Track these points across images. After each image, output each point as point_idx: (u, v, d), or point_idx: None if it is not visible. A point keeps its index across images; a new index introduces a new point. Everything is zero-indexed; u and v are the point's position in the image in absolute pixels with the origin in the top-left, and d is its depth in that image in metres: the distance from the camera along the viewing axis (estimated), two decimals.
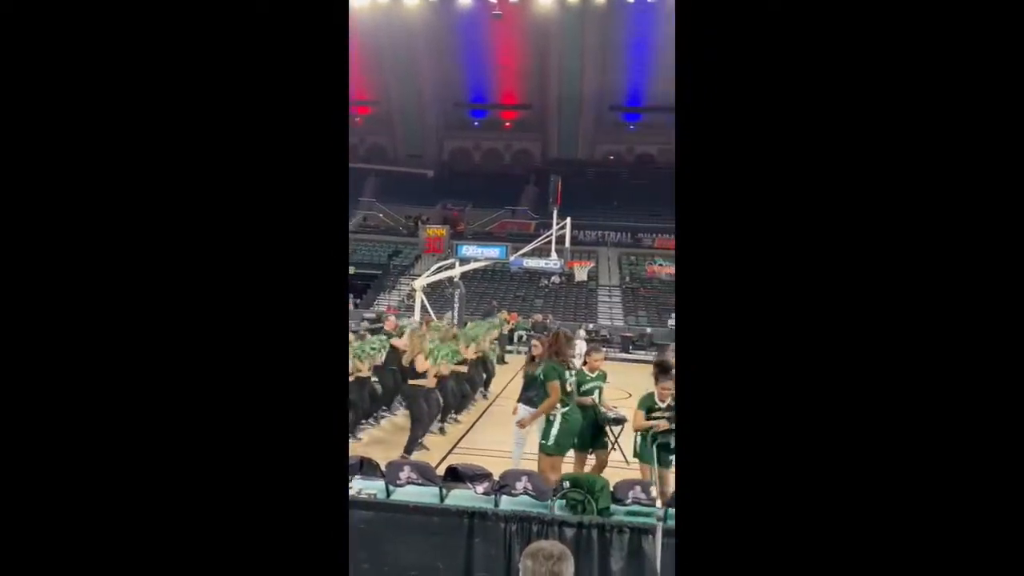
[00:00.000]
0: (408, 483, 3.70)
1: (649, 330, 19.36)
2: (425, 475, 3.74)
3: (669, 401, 4.34)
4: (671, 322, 20.23)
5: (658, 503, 3.82)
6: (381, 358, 7.33)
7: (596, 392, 4.89)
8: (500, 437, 6.55)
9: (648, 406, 4.40)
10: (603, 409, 4.88)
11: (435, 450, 6.60)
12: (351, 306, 18.47)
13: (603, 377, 5.02)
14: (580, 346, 7.83)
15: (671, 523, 3.63)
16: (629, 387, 7.77)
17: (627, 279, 24.25)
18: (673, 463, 4.32)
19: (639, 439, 4.46)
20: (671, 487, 4.18)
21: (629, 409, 4.82)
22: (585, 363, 5.07)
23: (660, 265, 24.35)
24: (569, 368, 4.67)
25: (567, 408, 4.56)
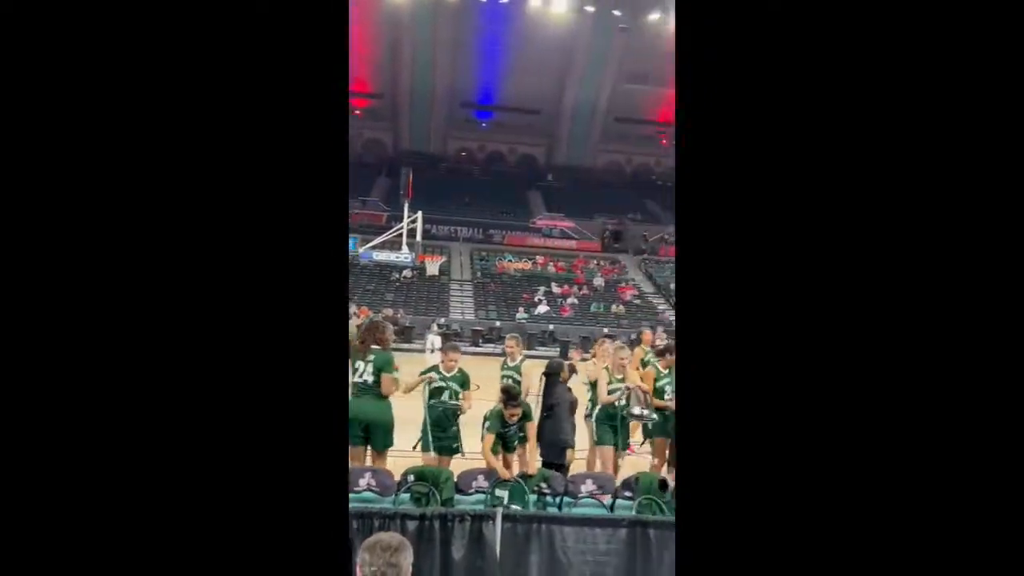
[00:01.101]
0: None
1: (498, 323, 19.84)
2: None
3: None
4: (519, 315, 20.92)
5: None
6: None
7: (448, 393, 4.64)
8: None
9: (497, 429, 4.35)
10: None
11: None
12: None
13: (460, 379, 4.69)
14: (435, 342, 7.81)
15: (516, 508, 3.80)
16: (479, 379, 7.93)
17: (478, 274, 24.64)
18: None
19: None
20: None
21: (480, 401, 4.88)
22: (441, 362, 5.02)
23: (509, 261, 25.06)
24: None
25: (429, 406, 4.52)
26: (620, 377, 4.71)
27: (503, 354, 5.95)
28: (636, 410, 4.70)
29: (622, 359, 4.62)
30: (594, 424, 4.90)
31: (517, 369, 5.21)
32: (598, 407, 4.89)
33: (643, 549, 3.42)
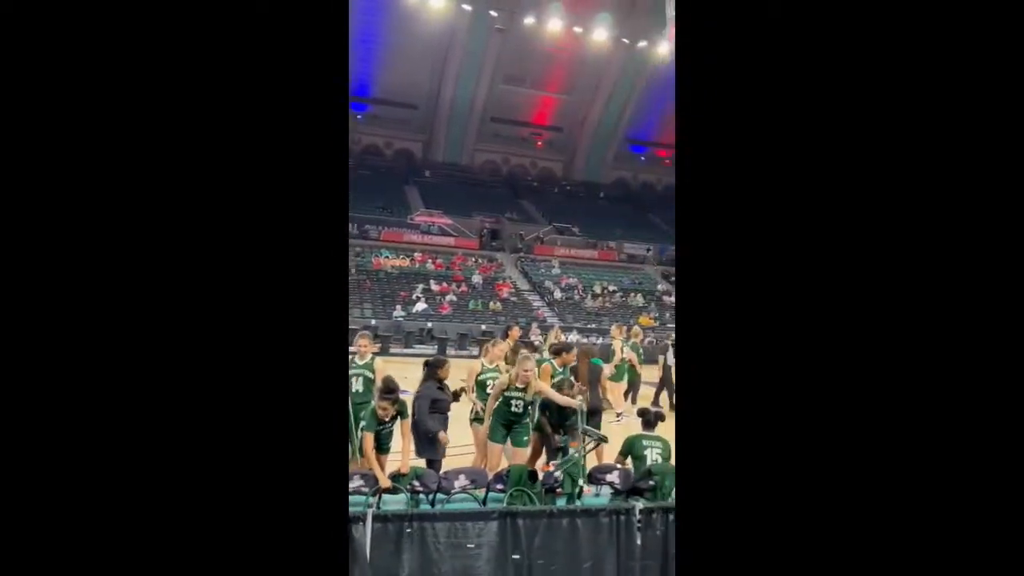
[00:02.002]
0: None
1: (374, 322, 19.43)
2: None
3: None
4: (396, 313, 20.61)
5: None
6: None
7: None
8: None
9: (373, 427, 4.29)
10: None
11: None
12: None
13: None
14: None
15: (392, 508, 3.77)
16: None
17: (353, 271, 23.96)
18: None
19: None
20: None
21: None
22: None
23: (387, 258, 24.59)
24: None
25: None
26: (522, 387, 4.73)
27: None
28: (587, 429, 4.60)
29: (526, 371, 4.63)
30: (490, 421, 4.89)
31: (368, 367, 5.16)
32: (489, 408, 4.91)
33: (513, 538, 3.53)
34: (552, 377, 5.61)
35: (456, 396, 5.06)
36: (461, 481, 4.18)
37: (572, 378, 5.44)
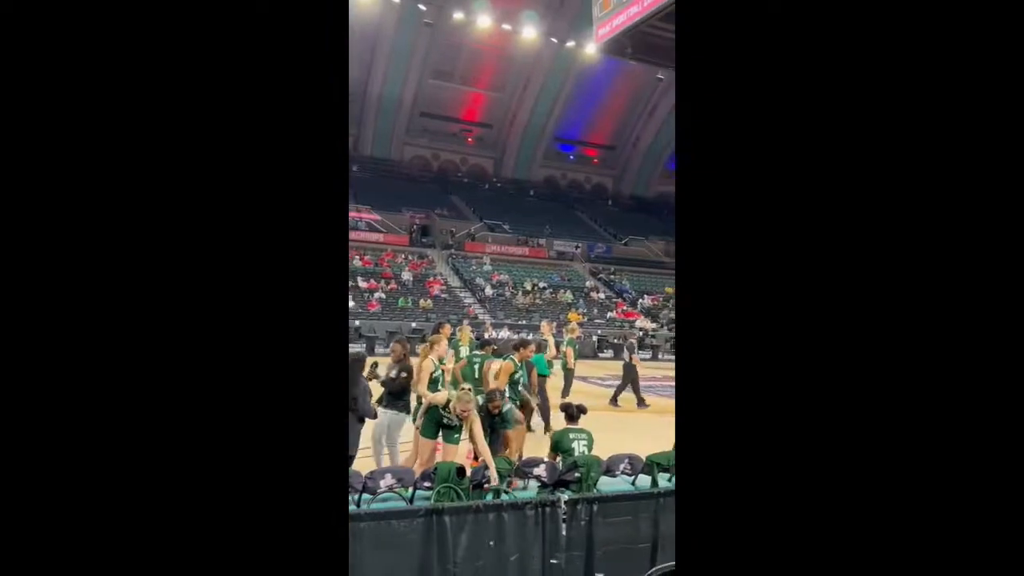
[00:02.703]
0: None
1: None
2: None
3: None
4: None
5: None
6: None
7: None
8: None
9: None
10: None
11: None
12: None
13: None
14: None
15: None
16: None
17: None
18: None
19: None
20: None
21: None
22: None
23: None
24: None
25: None
26: (456, 418, 4.76)
27: None
28: None
29: (464, 410, 4.63)
30: (420, 421, 4.96)
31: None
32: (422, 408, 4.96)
33: (439, 536, 3.52)
34: (512, 374, 5.77)
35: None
36: (387, 480, 4.13)
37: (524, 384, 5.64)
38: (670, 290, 29.04)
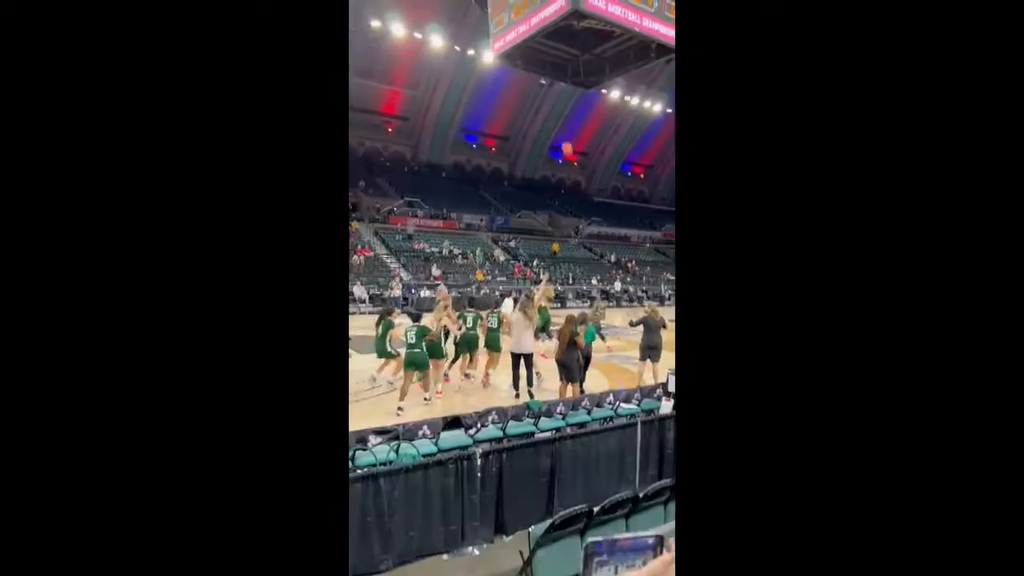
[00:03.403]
0: None
1: None
2: None
3: None
4: None
5: None
6: None
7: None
8: None
9: None
10: None
11: None
12: None
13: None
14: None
15: None
16: None
17: None
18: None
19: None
20: None
21: None
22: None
23: None
24: None
25: None
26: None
27: None
28: None
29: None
30: None
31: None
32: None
33: (375, 494, 3.26)
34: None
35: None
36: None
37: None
38: (556, 248, 29.74)
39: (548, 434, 4.27)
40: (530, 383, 6.94)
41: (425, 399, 6.45)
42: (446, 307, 6.90)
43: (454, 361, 7.77)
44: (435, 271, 22.98)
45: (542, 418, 4.48)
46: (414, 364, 6.13)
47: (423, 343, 6.16)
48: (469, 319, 7.36)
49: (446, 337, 6.92)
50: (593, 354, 7.47)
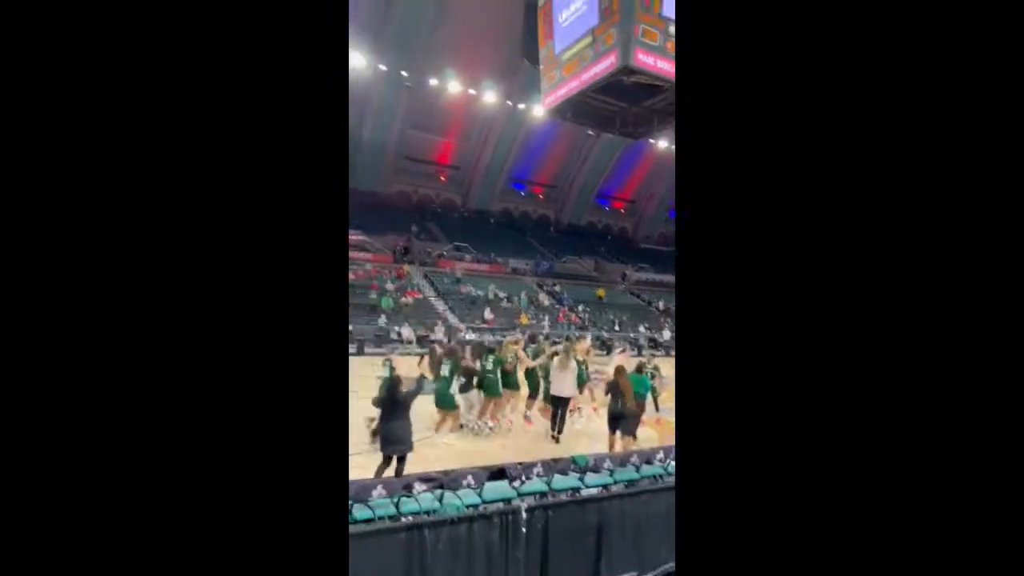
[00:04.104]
0: None
1: None
2: None
3: None
4: None
5: None
6: None
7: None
8: None
9: None
10: None
11: None
12: None
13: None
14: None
15: None
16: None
17: None
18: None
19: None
20: None
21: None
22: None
23: None
24: None
25: None
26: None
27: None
28: None
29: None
30: None
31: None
32: None
33: (419, 544, 3.20)
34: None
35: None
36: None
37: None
38: (601, 293, 29.33)
39: (595, 491, 4.09)
40: (560, 430, 6.78)
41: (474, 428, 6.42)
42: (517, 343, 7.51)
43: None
44: (487, 314, 23.10)
45: (588, 473, 4.32)
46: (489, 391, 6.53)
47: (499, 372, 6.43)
48: (490, 362, 7.15)
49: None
50: (647, 406, 7.20)
